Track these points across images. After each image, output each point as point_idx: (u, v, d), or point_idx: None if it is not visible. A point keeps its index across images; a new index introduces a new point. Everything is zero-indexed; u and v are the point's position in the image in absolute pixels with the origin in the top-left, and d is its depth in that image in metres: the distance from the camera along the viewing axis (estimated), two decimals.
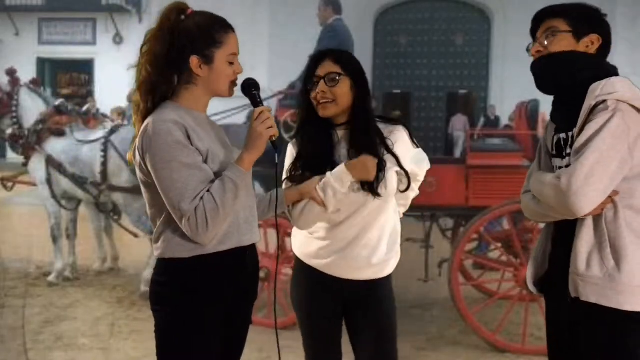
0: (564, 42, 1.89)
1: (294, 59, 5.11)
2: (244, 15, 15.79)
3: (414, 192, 2.32)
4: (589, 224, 1.85)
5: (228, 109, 4.75)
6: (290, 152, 2.24)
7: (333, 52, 2.20)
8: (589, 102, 1.81)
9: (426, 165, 2.29)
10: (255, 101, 1.91)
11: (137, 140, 1.80)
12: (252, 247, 1.97)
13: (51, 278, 5.53)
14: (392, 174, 2.14)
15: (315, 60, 2.18)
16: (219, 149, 1.87)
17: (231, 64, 1.87)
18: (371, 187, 2.11)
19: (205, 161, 1.80)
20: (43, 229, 6.03)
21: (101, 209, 5.75)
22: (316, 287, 2.21)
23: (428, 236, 4.75)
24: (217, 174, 1.81)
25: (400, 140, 2.18)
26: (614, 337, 1.84)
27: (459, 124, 15.90)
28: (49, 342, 4.13)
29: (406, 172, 2.17)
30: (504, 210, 4.16)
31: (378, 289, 2.21)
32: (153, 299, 1.88)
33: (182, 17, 1.85)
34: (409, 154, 2.19)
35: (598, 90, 1.80)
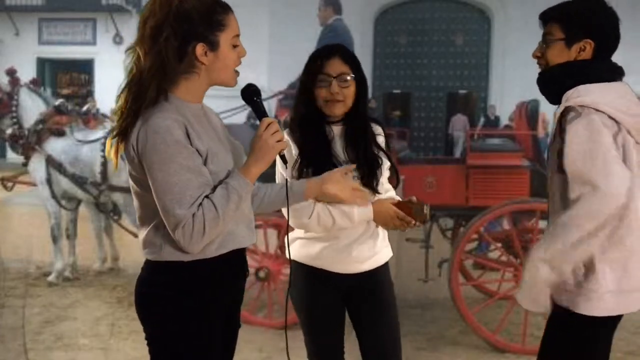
0: (556, 50, 2.00)
1: (294, 58, 5.10)
2: (243, 15, 15.76)
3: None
4: None
5: (228, 109, 4.73)
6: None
7: (340, 50, 2.18)
8: (559, 109, 1.92)
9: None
10: (260, 110, 1.80)
11: (132, 136, 1.65)
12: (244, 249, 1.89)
13: (51, 278, 5.52)
14: (386, 171, 2.22)
15: (323, 56, 2.15)
16: (217, 146, 1.74)
17: (235, 46, 1.73)
18: (371, 185, 2.15)
19: (205, 162, 1.68)
20: (43, 229, 6.02)
21: (101, 209, 5.74)
22: (317, 285, 2.22)
23: (428, 236, 4.74)
24: (216, 174, 1.70)
25: (381, 141, 2.26)
26: (581, 340, 1.96)
27: (459, 124, 15.94)
28: (49, 342, 4.13)
29: (395, 168, 2.26)
30: (504, 210, 4.15)
31: (378, 274, 2.25)
32: (147, 303, 1.77)
33: (177, 2, 1.68)
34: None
35: (565, 97, 1.90)
